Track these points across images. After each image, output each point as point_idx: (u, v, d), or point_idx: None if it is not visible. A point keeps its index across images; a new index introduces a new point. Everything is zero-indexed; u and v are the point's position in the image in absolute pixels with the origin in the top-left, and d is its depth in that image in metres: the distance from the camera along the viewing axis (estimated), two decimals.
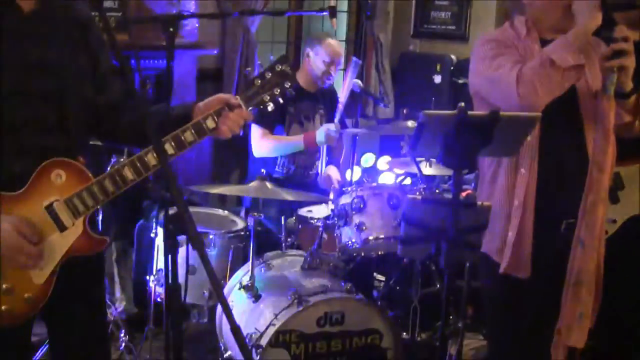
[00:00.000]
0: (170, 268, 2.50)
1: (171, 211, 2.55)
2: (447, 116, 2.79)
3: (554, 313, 3.36)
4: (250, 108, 2.95)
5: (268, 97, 2.96)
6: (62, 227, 2.72)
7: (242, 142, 5.63)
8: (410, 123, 5.22)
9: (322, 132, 5.19)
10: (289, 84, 2.97)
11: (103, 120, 2.94)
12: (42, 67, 2.71)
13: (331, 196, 4.54)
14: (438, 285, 5.17)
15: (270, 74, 2.95)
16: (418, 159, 4.90)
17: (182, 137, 2.80)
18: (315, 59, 5.46)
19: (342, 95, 5.27)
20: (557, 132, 3.23)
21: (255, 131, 5.34)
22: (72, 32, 2.83)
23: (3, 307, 2.64)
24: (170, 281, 2.49)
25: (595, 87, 3.29)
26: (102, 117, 2.93)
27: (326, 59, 5.42)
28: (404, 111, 5.35)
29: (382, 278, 5.58)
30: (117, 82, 2.97)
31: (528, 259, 3.31)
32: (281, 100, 2.98)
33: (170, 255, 2.50)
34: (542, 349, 3.42)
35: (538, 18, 3.39)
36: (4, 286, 2.63)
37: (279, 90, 2.96)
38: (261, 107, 2.97)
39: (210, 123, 2.84)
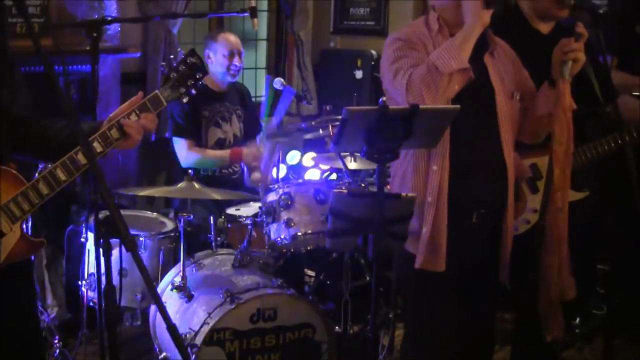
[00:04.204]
0: (104, 271, 2.52)
1: (101, 215, 2.59)
2: (369, 111, 2.87)
3: (470, 301, 3.51)
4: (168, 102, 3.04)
5: (184, 90, 3.05)
6: (0, 234, 2.73)
7: (168, 145, 5.64)
8: (335, 118, 5.27)
9: (251, 153, 5.33)
10: (200, 74, 3.09)
11: (12, 132, 2.91)
12: None
13: (260, 194, 4.58)
14: (368, 278, 5.23)
15: (183, 67, 3.04)
16: (343, 154, 4.97)
17: (109, 134, 2.85)
18: (215, 57, 5.52)
19: (273, 120, 5.34)
20: (471, 128, 3.33)
21: (180, 144, 5.40)
22: None
23: None
24: (104, 284, 2.51)
25: (511, 80, 3.49)
26: (12, 129, 2.90)
27: (225, 52, 5.48)
28: (327, 108, 5.39)
29: (313, 274, 5.63)
30: (25, 94, 3.00)
31: (443, 253, 3.38)
32: (194, 91, 3.09)
33: (104, 258, 2.52)
34: (461, 336, 3.55)
35: (444, 16, 3.47)
36: None
37: (192, 82, 3.07)
38: (178, 99, 3.07)
39: (133, 116, 2.91)
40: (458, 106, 3.03)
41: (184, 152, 5.39)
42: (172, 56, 3.14)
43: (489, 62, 3.46)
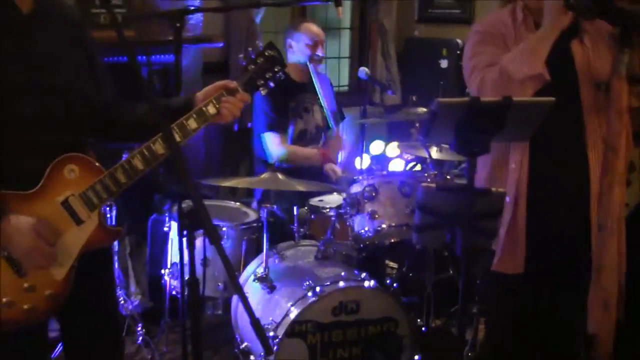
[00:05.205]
0: (187, 261, 2.52)
1: (184, 205, 2.58)
2: (460, 103, 2.79)
3: (552, 304, 3.38)
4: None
5: (262, 82, 3.08)
6: (78, 221, 2.76)
7: (250, 134, 5.63)
8: (420, 110, 5.21)
9: (336, 168, 5.37)
10: (279, 67, 3.09)
11: (100, 120, 2.97)
12: (47, 62, 2.75)
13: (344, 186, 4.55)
14: (451, 272, 5.16)
15: (261, 59, 3.04)
16: (427, 144, 4.90)
17: (186, 124, 2.85)
18: (298, 46, 5.49)
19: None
20: (553, 123, 3.08)
21: (272, 139, 5.35)
22: (69, 31, 2.88)
23: (25, 306, 2.68)
24: (188, 276, 2.50)
25: (602, 69, 3.26)
26: (100, 116, 2.96)
27: (309, 42, 5.45)
28: (413, 98, 5.32)
29: (395, 265, 5.58)
30: (110, 81, 3.05)
31: (522, 255, 3.30)
32: (272, 84, 3.10)
33: (188, 251, 2.51)
34: (541, 340, 3.44)
35: (529, 5, 3.36)
36: (25, 285, 2.67)
37: (270, 75, 3.09)
38: (256, 90, 3.08)
39: (211, 109, 2.92)
40: (552, 99, 2.88)
41: (276, 147, 5.35)
42: (250, 48, 3.11)
43: (577, 49, 3.31)
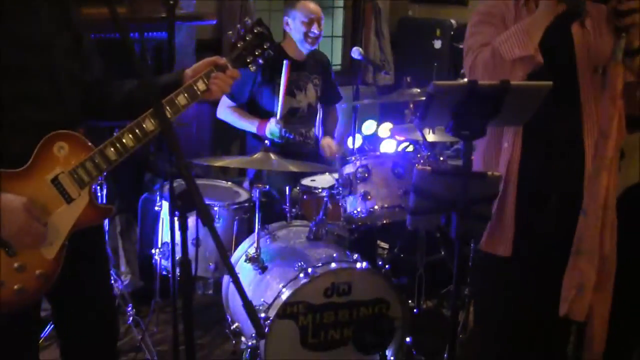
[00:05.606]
0: (179, 241, 2.51)
1: (176, 184, 2.55)
2: (458, 86, 2.77)
3: (540, 288, 3.35)
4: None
5: (251, 58, 3.05)
6: (68, 199, 2.74)
7: None
8: (414, 90, 5.18)
9: (269, 129, 5.18)
10: (268, 44, 3.07)
11: (91, 98, 2.95)
12: (33, 43, 2.72)
13: (337, 166, 4.50)
14: (442, 253, 5.15)
15: (250, 36, 3.02)
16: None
17: (176, 101, 2.85)
18: (294, 24, 5.46)
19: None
20: (548, 105, 3.00)
21: (225, 100, 5.35)
22: (55, 11, 2.84)
23: (15, 287, 2.65)
24: (180, 256, 2.47)
25: (601, 53, 3.22)
26: (90, 95, 2.94)
27: (304, 19, 5.42)
28: (408, 79, 5.29)
29: (386, 245, 5.56)
30: (98, 60, 3.02)
31: (509, 236, 3.26)
32: (261, 61, 3.07)
33: (180, 232, 2.48)
34: (530, 325, 3.42)
35: None
36: (15, 264, 2.65)
37: (259, 51, 3.06)
38: (245, 67, 3.05)
39: (201, 85, 2.91)
40: (550, 83, 2.85)
41: (224, 107, 5.38)
42: (239, 25, 3.08)
43: (577, 32, 3.26)
